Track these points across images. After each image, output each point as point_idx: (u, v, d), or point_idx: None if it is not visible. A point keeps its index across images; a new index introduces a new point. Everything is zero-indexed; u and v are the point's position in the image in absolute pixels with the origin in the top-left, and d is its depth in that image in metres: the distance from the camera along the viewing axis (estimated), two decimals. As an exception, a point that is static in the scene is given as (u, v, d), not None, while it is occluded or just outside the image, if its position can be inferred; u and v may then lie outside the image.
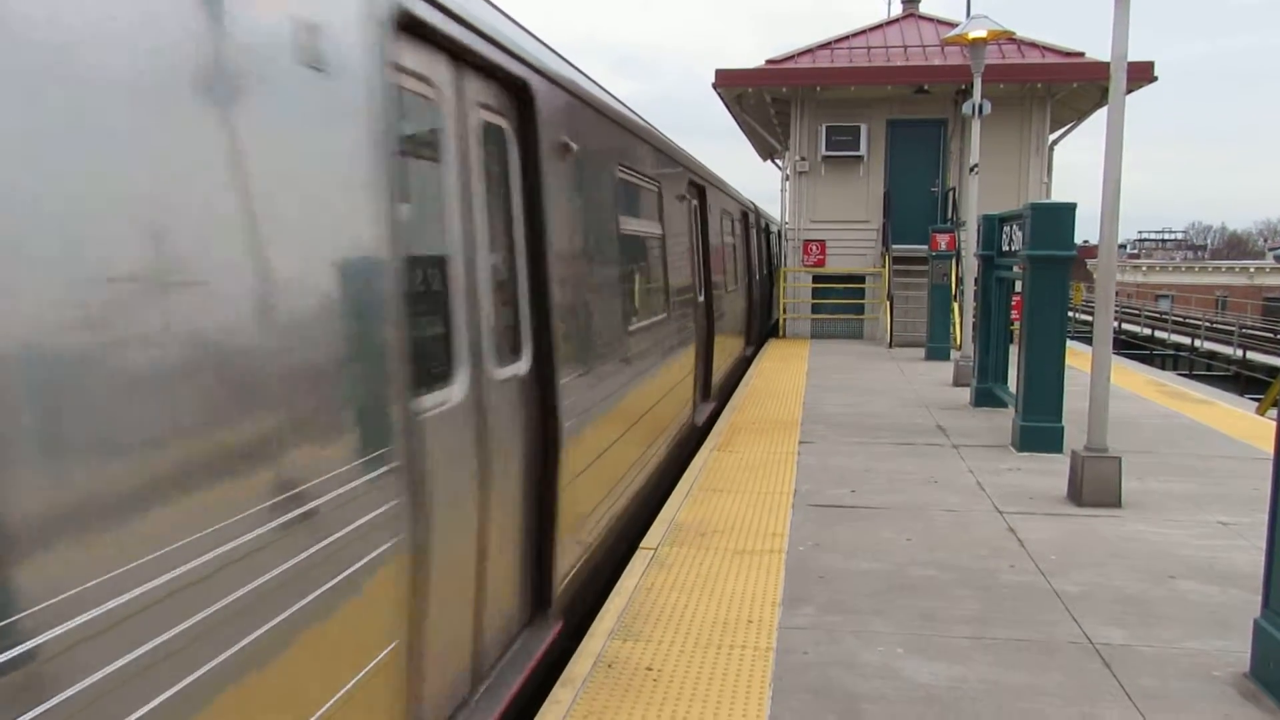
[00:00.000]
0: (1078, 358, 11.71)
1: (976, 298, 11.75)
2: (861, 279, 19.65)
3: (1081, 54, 18.66)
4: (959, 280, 15.60)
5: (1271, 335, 31.54)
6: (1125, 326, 36.65)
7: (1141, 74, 16.97)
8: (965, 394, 11.53)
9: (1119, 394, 10.67)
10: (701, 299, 10.18)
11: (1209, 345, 31.30)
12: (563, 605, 4.41)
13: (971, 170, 13.28)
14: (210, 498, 1.89)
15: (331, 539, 2.31)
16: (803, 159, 19.42)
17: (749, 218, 16.53)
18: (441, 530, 3.05)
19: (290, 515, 2.15)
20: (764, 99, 19.89)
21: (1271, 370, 24.54)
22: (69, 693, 1.58)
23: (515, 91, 4.02)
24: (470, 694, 3.52)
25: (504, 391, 3.73)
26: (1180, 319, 37.04)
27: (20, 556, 1.51)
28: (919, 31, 20.30)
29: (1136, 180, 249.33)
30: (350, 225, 2.48)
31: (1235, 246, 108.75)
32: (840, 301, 19.70)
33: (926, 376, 13.64)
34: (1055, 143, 19.77)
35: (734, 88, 19.39)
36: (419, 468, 2.82)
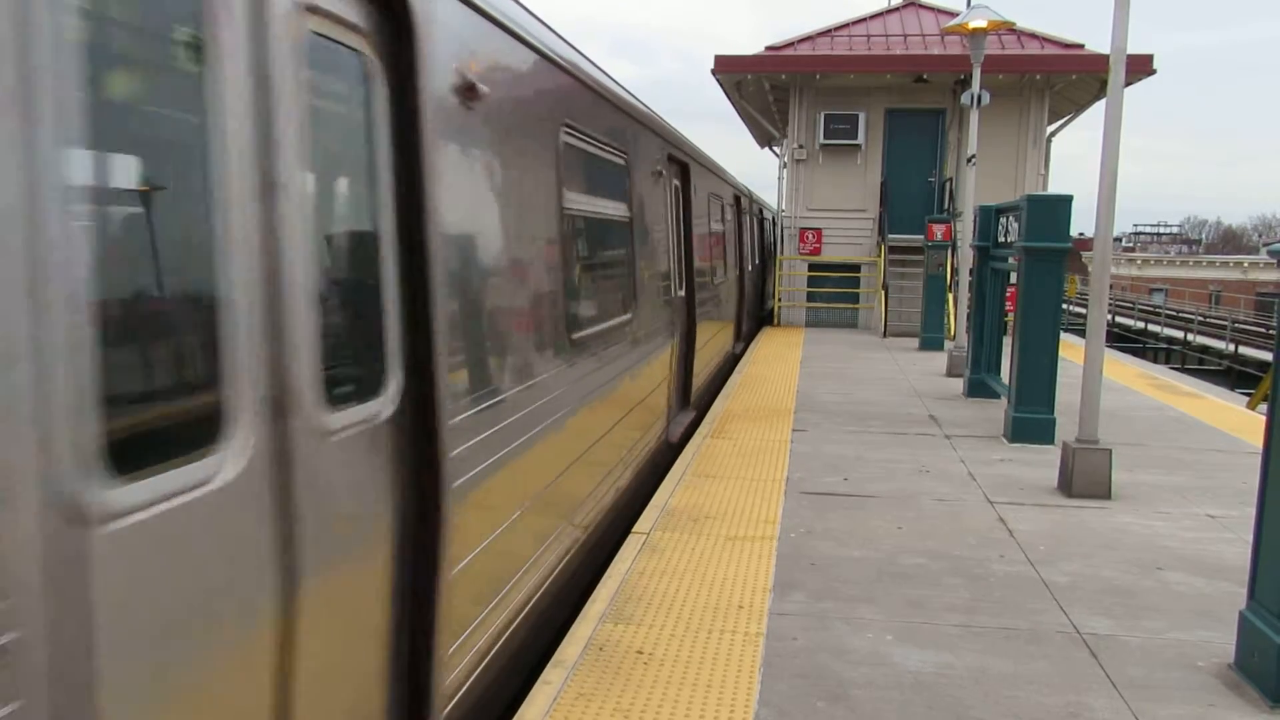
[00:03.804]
0: (1071, 350, 11.75)
1: (971, 288, 11.77)
2: (857, 268, 19.67)
3: (1081, 46, 18.66)
4: (954, 271, 15.63)
5: (1264, 330, 31.65)
6: (1119, 319, 36.76)
7: (1140, 66, 16.97)
8: (958, 384, 11.57)
9: (1111, 387, 10.71)
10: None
11: (1201, 339, 31.42)
12: None
13: (969, 161, 13.28)
14: None
15: None
16: (800, 147, 19.40)
17: (742, 202, 15.49)
18: None
19: None
20: (763, 86, 19.85)
21: (1263, 365, 24.65)
22: None
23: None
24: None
25: None
26: (1173, 313, 37.16)
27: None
28: (919, 20, 20.26)
29: (1133, 173, 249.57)
30: None
31: (1230, 241, 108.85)
32: (836, 290, 19.72)
33: (920, 366, 13.67)
34: (1053, 134, 19.78)
35: (733, 74, 19.34)
36: None
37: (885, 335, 17.72)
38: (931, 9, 20.77)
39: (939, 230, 15.93)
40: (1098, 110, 18.54)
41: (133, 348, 1.99)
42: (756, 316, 18.66)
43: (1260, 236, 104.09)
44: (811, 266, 19.79)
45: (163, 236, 2.11)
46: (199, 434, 2.05)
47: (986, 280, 10.84)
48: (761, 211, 20.80)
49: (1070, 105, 19.75)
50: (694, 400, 9.43)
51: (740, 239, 14.94)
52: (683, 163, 8.99)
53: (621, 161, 6.16)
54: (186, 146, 2.10)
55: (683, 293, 8.90)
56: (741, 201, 15.43)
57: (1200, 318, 34.09)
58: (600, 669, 3.96)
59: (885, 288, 18.14)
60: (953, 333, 14.92)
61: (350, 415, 2.60)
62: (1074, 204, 8.30)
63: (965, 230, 13.14)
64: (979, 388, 10.86)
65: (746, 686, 3.84)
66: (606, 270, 5.99)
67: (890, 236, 18.36)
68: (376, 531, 2.78)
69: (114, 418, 1.78)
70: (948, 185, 18.75)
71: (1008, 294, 10.90)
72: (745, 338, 16.09)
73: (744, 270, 15.25)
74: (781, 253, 20.19)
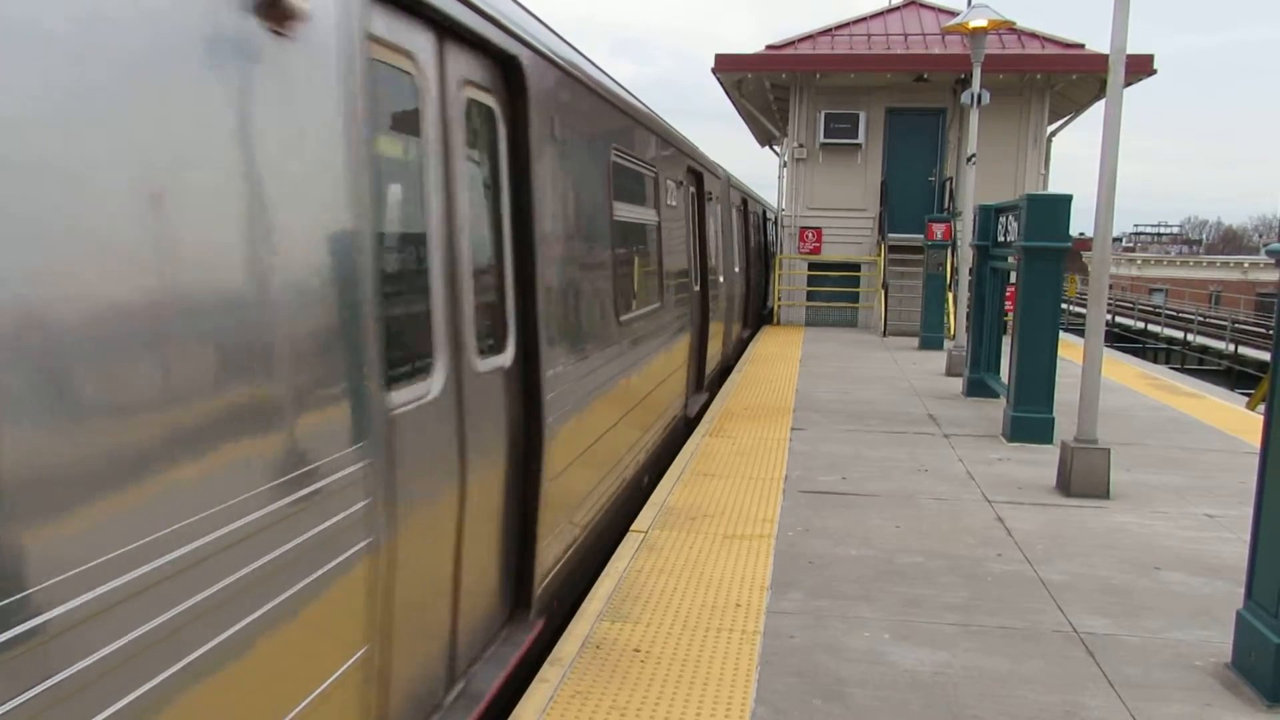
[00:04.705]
0: (1070, 350, 11.75)
1: (971, 288, 11.77)
2: (857, 267, 19.67)
3: (1081, 45, 18.65)
4: (954, 270, 15.63)
5: (1263, 330, 31.63)
6: (1118, 319, 36.75)
7: (1140, 67, 16.97)
8: (957, 383, 11.57)
9: (1110, 386, 10.73)
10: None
11: (1201, 339, 31.41)
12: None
13: (969, 160, 13.28)
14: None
15: None
16: (801, 146, 19.40)
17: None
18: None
19: None
20: (763, 85, 19.85)
21: (1263, 365, 24.64)
22: None
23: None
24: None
25: None
26: (1173, 313, 37.15)
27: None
28: (919, 19, 20.26)
29: (1133, 173, 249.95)
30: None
31: (1230, 241, 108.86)
32: (836, 289, 19.73)
33: (919, 366, 13.67)
34: (1053, 134, 19.79)
35: (733, 73, 19.34)
36: None
37: (885, 334, 17.73)
38: (932, 8, 20.77)
39: (939, 229, 15.93)
40: (1098, 110, 18.53)
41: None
42: (738, 338, 15.18)
43: (1260, 237, 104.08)
44: (811, 266, 19.80)
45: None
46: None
47: (986, 280, 10.84)
48: (746, 203, 16.57)
49: (1070, 105, 19.75)
50: (538, 605, 4.34)
51: (702, 238, 10.33)
52: (512, 61, 3.95)
53: None
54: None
55: (506, 353, 3.98)
56: (705, 182, 10.60)
57: (1200, 318, 34.07)
58: (597, 667, 3.96)
59: (885, 287, 18.14)
60: (952, 332, 14.93)
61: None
62: (1074, 204, 8.30)
63: (965, 230, 13.14)
64: (978, 387, 10.86)
65: (744, 684, 3.84)
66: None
67: (890, 236, 18.36)
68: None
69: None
70: (948, 184, 18.75)
71: (1007, 293, 10.90)
72: (712, 382, 11.52)
73: (708, 283, 10.61)
74: (781, 252, 20.19)
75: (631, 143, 6.57)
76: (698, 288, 10.07)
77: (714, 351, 11.50)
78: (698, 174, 10.16)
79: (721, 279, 12.04)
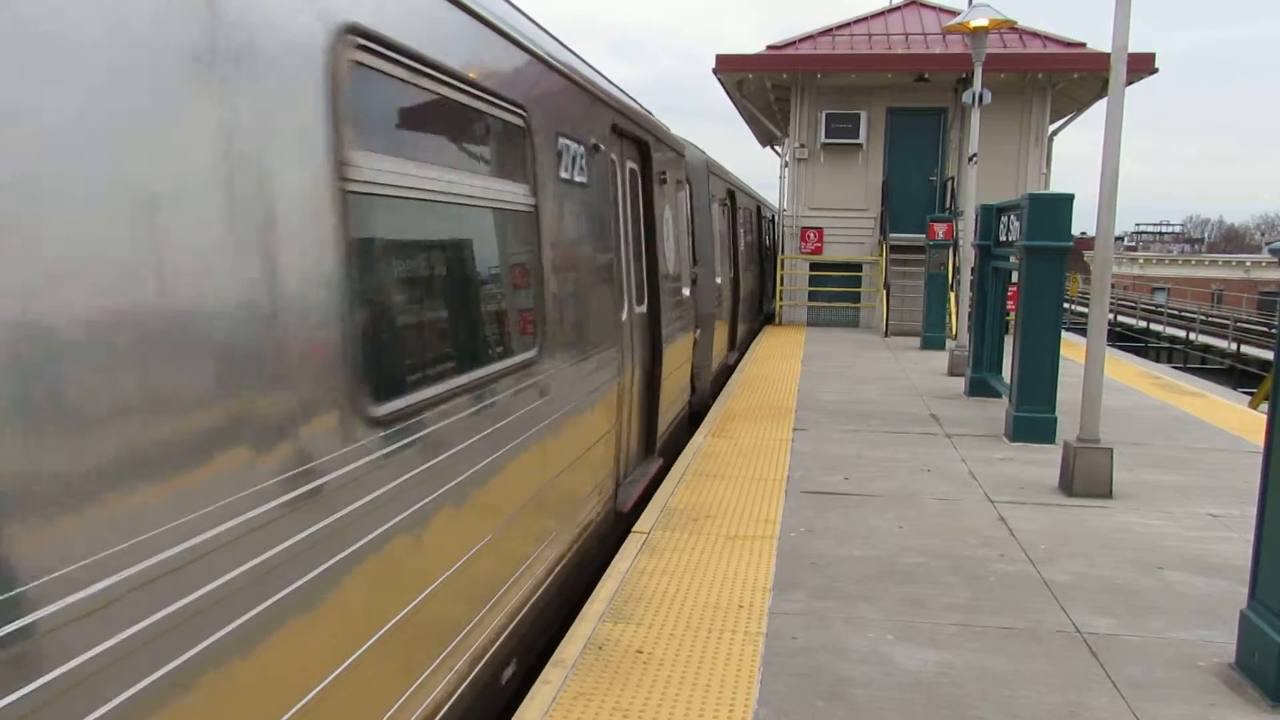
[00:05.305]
0: (1072, 349, 11.74)
1: (973, 287, 11.76)
2: (859, 267, 19.67)
3: (1083, 44, 18.65)
4: (956, 270, 15.62)
5: (1266, 329, 31.59)
6: (1121, 319, 36.72)
7: (1142, 65, 16.95)
8: (960, 383, 11.56)
9: (1112, 386, 10.71)
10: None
11: (1204, 338, 31.38)
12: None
13: (970, 160, 13.26)
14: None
15: None
16: (802, 146, 19.40)
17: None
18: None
19: None
20: (764, 85, 19.86)
21: (1266, 364, 24.60)
22: None
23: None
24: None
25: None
26: (1176, 312, 37.11)
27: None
28: (920, 19, 20.25)
29: (1134, 172, 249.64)
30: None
31: (1232, 240, 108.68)
32: (837, 289, 19.73)
33: (921, 365, 13.66)
34: (1055, 133, 19.77)
35: (734, 73, 19.34)
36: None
37: (887, 334, 17.72)
38: (933, 8, 20.77)
39: (940, 229, 15.92)
40: (1100, 109, 18.51)
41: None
42: (722, 364, 12.54)
43: (1263, 235, 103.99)
44: (813, 266, 19.81)
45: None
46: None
47: (988, 279, 10.83)
48: (734, 196, 13.97)
49: (1072, 104, 19.75)
50: None
51: (648, 235, 7.29)
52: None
53: None
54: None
55: None
56: (654, 158, 7.38)
57: (1202, 317, 34.03)
58: (600, 668, 3.95)
59: (887, 287, 18.13)
60: (954, 332, 14.92)
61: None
62: (1076, 203, 8.28)
63: (967, 229, 13.13)
64: (980, 387, 10.85)
65: (746, 686, 3.83)
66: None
67: (892, 235, 18.36)
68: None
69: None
70: (949, 184, 18.73)
71: (1009, 293, 10.89)
72: (675, 434, 8.47)
73: (661, 298, 7.43)
74: (783, 252, 20.20)
75: (436, 42, 3.21)
76: (641, 308, 7.01)
77: (675, 391, 8.29)
78: (640, 143, 7.03)
79: (687, 291, 8.92)
